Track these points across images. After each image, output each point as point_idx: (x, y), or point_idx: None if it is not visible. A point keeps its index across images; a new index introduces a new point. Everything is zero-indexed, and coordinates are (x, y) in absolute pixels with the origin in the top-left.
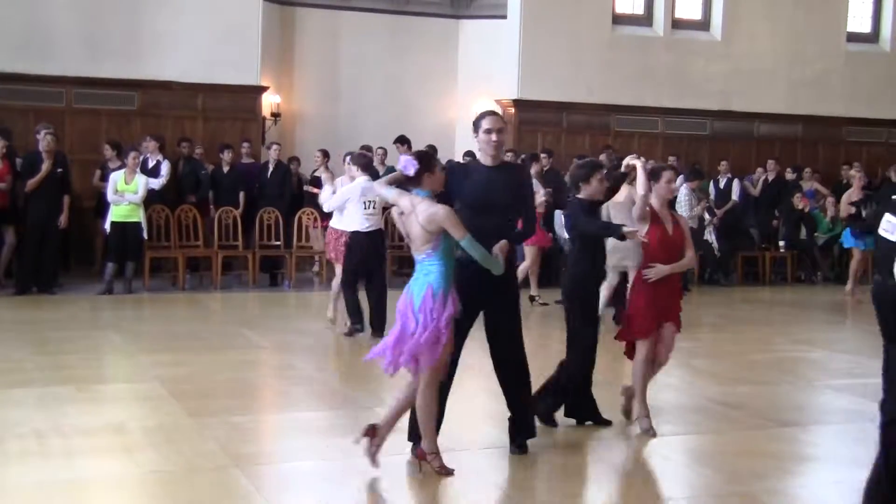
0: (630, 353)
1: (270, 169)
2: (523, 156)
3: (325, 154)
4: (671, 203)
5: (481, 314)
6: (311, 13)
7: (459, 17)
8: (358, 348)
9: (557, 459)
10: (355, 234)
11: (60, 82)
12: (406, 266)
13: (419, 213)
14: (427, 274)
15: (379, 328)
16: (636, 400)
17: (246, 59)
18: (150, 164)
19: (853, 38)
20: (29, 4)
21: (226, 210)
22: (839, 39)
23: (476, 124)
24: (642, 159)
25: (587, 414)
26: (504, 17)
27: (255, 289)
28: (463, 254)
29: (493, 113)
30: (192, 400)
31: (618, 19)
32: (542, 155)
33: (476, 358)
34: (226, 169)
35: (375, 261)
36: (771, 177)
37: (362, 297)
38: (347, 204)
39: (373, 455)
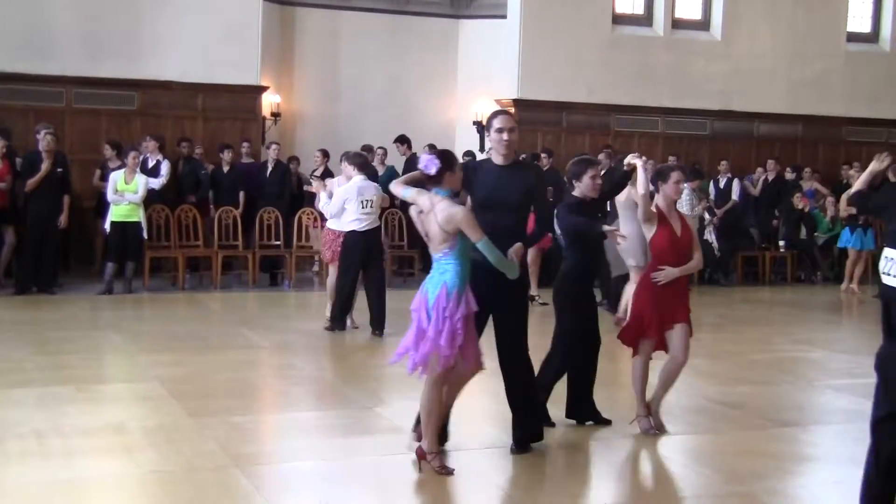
0: (636, 352)
1: (269, 168)
2: (523, 156)
3: (325, 154)
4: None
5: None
6: (311, 13)
7: (459, 17)
8: (358, 348)
9: (558, 459)
10: (351, 234)
11: (60, 82)
12: (406, 266)
13: (438, 213)
14: (443, 273)
15: (378, 326)
16: (635, 399)
17: (246, 59)
18: (150, 163)
19: (853, 38)
20: (29, 4)
21: (226, 210)
22: (839, 39)
23: (488, 123)
24: (643, 158)
25: (587, 414)
26: (504, 17)
27: (255, 289)
28: (478, 255)
29: (505, 112)
30: (192, 400)
31: (618, 19)
32: (542, 155)
33: None
34: (226, 169)
35: (372, 259)
36: (771, 177)
37: (361, 297)
38: (346, 204)
39: (438, 469)
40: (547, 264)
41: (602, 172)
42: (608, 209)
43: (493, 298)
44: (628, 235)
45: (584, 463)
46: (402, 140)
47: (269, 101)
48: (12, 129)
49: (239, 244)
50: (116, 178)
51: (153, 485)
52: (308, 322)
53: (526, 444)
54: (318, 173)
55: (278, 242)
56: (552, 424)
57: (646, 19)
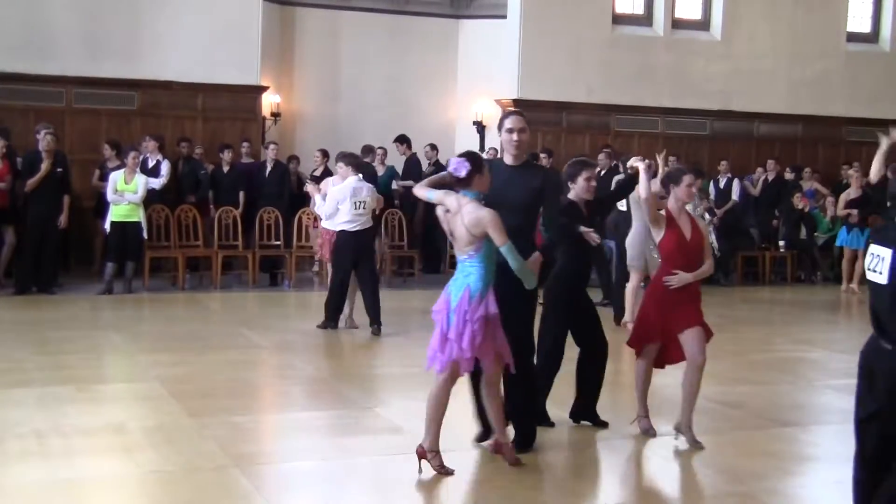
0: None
1: (268, 168)
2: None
3: (325, 154)
4: None
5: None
6: (311, 13)
7: (459, 17)
8: (358, 348)
9: (557, 459)
10: (342, 234)
11: (60, 82)
12: (406, 266)
13: (465, 215)
14: (467, 275)
15: (375, 322)
16: (636, 399)
17: (246, 59)
18: (150, 163)
19: (853, 38)
20: (29, 4)
21: (226, 210)
22: (839, 39)
23: (499, 124)
24: (646, 161)
25: (585, 415)
26: (504, 17)
27: (255, 289)
28: (499, 258)
29: (516, 113)
30: (192, 400)
31: (618, 19)
32: (542, 155)
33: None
34: (226, 169)
35: (363, 259)
36: (771, 177)
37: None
38: (339, 205)
39: (511, 461)
40: (547, 265)
41: (602, 173)
42: (626, 208)
43: (503, 304)
44: (632, 236)
45: (584, 463)
46: (402, 140)
47: (269, 101)
48: (12, 129)
49: (239, 244)
50: (116, 178)
51: (153, 485)
52: (308, 322)
53: (522, 448)
54: (317, 173)
55: (278, 242)
56: (552, 424)
57: (646, 19)
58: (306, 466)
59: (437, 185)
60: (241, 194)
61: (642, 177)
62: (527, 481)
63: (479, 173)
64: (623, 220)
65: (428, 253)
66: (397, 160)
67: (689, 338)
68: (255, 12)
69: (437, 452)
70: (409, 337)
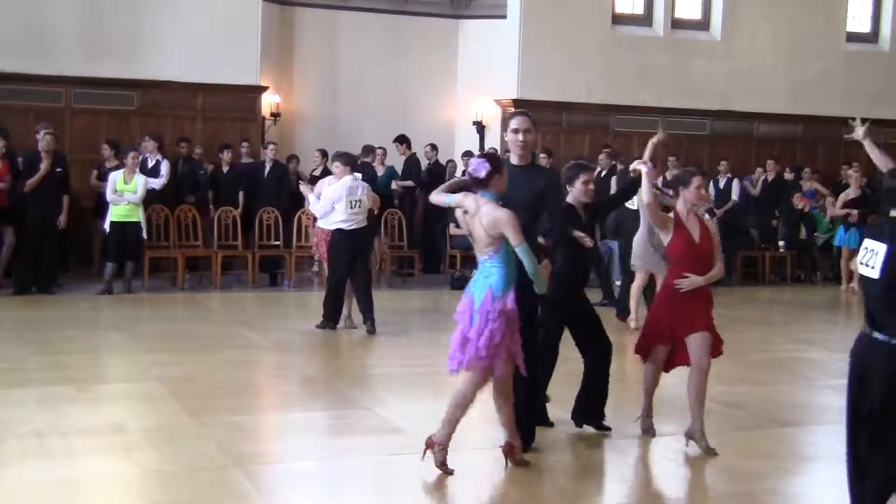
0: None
1: (267, 169)
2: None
3: (324, 154)
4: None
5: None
6: (310, 13)
7: (459, 17)
8: (358, 348)
9: (558, 460)
10: (338, 232)
11: (60, 82)
12: (406, 266)
13: (483, 216)
14: (487, 276)
15: (369, 319)
16: (642, 398)
17: (246, 59)
18: (150, 163)
19: (853, 38)
20: (29, 4)
21: (225, 210)
22: (839, 39)
23: (505, 124)
24: (649, 164)
25: (586, 418)
26: (504, 17)
27: (255, 289)
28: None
29: (523, 113)
30: (192, 400)
31: (617, 19)
32: (542, 155)
33: None
34: (225, 169)
35: (359, 257)
36: (771, 177)
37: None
38: (335, 204)
39: (519, 462)
40: None
41: (603, 174)
42: (636, 207)
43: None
44: (637, 238)
45: (583, 463)
46: (402, 140)
47: (269, 101)
48: (12, 129)
49: (239, 244)
50: (116, 178)
51: (153, 485)
52: (308, 322)
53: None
54: (316, 173)
55: (278, 242)
56: (551, 424)
57: (646, 19)
58: (306, 466)
59: (451, 191)
60: (241, 194)
61: (645, 182)
62: (528, 481)
63: (499, 174)
64: (630, 220)
65: (428, 253)
66: (397, 160)
67: (695, 342)
68: (254, 12)
69: (445, 448)
70: (409, 337)
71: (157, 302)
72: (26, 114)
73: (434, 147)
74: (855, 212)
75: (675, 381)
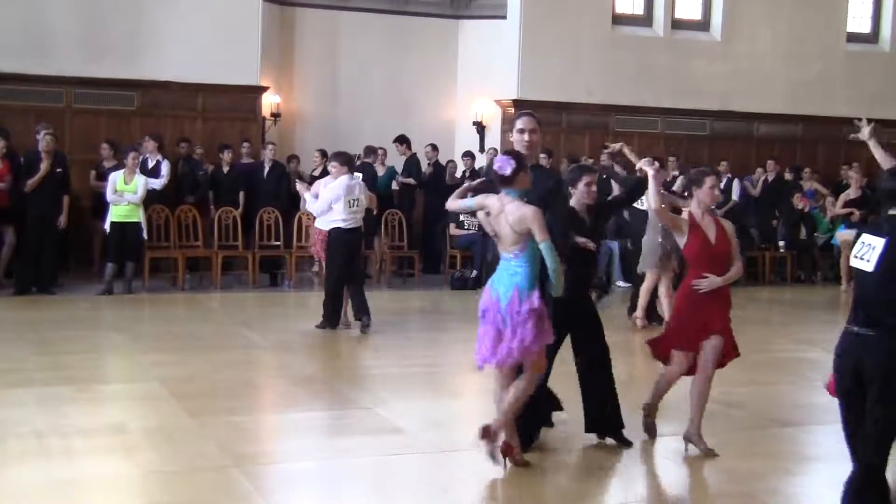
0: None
1: (266, 169)
2: None
3: (324, 154)
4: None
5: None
6: (310, 13)
7: (459, 17)
8: (358, 348)
9: (559, 460)
10: (336, 230)
11: (60, 82)
12: (406, 266)
13: (508, 214)
14: (513, 274)
15: (363, 316)
16: (651, 395)
17: (246, 59)
18: (150, 164)
19: (853, 38)
20: (29, 4)
21: (226, 210)
22: (839, 39)
23: (512, 124)
24: (656, 164)
25: (592, 424)
26: (504, 17)
27: (255, 289)
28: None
29: (528, 114)
30: (192, 400)
31: (618, 19)
32: (542, 155)
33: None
34: (226, 169)
35: (355, 256)
36: (771, 177)
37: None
38: (333, 204)
39: (518, 462)
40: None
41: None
42: (644, 207)
43: None
44: (646, 239)
45: (583, 463)
46: (402, 140)
47: (269, 102)
48: (12, 129)
49: (239, 244)
50: (116, 178)
51: (153, 485)
52: (308, 322)
53: (522, 448)
54: (316, 173)
55: (278, 243)
56: (551, 425)
57: (646, 19)
58: (306, 466)
59: (467, 194)
60: (241, 194)
61: (652, 185)
62: (529, 482)
63: (524, 171)
64: (636, 220)
65: (428, 253)
66: (397, 160)
67: (707, 347)
68: (255, 12)
69: (517, 447)
70: (409, 337)
71: (157, 302)
72: (26, 114)
73: (434, 147)
74: (857, 211)
75: (678, 382)
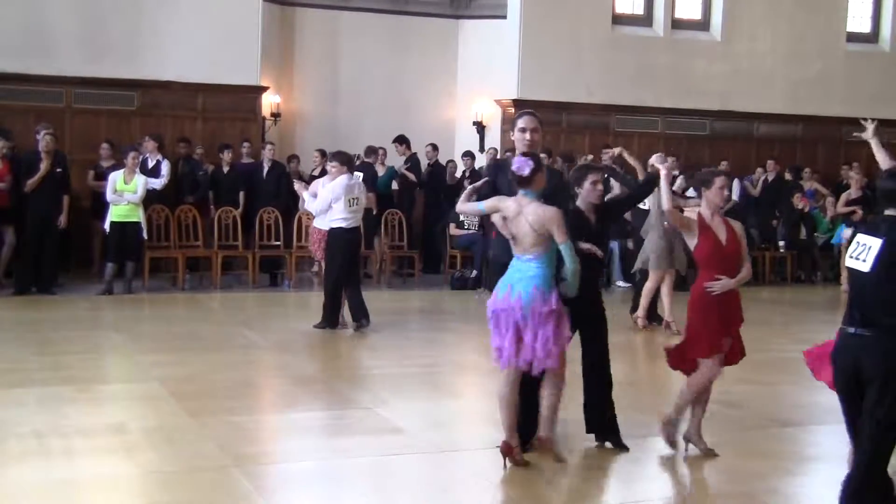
0: (686, 368)
1: (266, 169)
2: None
3: (324, 154)
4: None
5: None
6: (311, 13)
7: (459, 17)
8: (358, 348)
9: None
10: (337, 230)
11: (60, 82)
12: (406, 266)
13: (528, 214)
14: (533, 276)
15: (362, 317)
16: (674, 408)
17: (246, 59)
18: (150, 164)
19: (853, 38)
20: (29, 4)
21: (226, 210)
22: (839, 39)
23: (513, 123)
24: (669, 161)
25: (595, 427)
26: (504, 17)
27: (255, 289)
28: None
29: (530, 113)
30: (192, 400)
31: (618, 19)
32: (542, 155)
33: (476, 358)
34: (226, 169)
35: (354, 256)
36: (771, 177)
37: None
38: (333, 203)
39: (518, 462)
40: None
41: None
42: (647, 207)
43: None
44: (650, 238)
45: (583, 463)
46: (402, 140)
47: (269, 102)
48: (12, 129)
49: (239, 244)
50: (116, 178)
51: (153, 485)
52: (308, 322)
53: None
54: (316, 173)
55: (278, 243)
56: None
57: (646, 19)
58: (306, 466)
59: (474, 196)
60: (242, 194)
61: (664, 186)
62: (528, 481)
63: (541, 171)
64: (638, 220)
65: (428, 253)
66: (397, 161)
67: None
68: (255, 12)
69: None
70: (409, 337)
71: (157, 302)
72: (26, 114)
73: (435, 147)
74: (859, 210)
75: (679, 382)
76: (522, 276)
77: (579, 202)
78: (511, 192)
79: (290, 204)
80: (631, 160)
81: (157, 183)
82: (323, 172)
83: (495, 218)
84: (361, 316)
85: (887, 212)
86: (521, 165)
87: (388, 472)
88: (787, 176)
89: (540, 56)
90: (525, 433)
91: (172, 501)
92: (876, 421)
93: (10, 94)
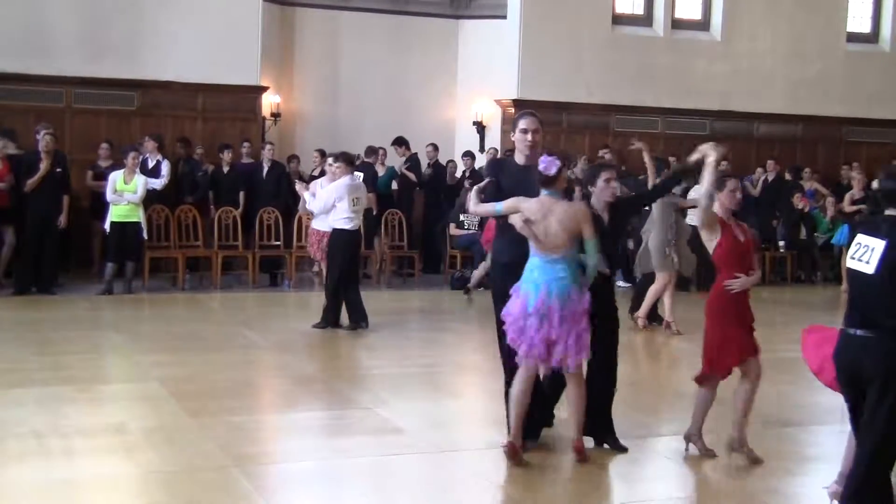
0: (701, 379)
1: (265, 169)
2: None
3: (323, 154)
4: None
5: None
6: (311, 13)
7: (459, 17)
8: (358, 348)
9: (557, 460)
10: (341, 232)
11: (60, 82)
12: (406, 266)
13: (558, 212)
14: (562, 277)
15: (361, 319)
16: (737, 425)
17: (246, 59)
18: (150, 164)
19: (853, 38)
20: (29, 4)
21: (226, 210)
22: (839, 39)
23: (514, 123)
24: (719, 150)
25: (600, 432)
26: (504, 17)
27: (255, 289)
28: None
29: (531, 114)
30: (192, 400)
31: (618, 19)
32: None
33: (476, 358)
34: (226, 169)
35: (354, 257)
36: (771, 177)
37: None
38: (336, 203)
39: (519, 462)
40: None
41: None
42: (650, 208)
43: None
44: (654, 240)
45: (586, 464)
46: (401, 142)
47: (269, 102)
48: (12, 129)
49: (239, 244)
50: (116, 178)
51: (153, 485)
52: (308, 322)
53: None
54: (316, 174)
55: (278, 243)
56: (551, 425)
57: (646, 19)
58: (306, 466)
59: (480, 198)
60: (242, 195)
61: (708, 176)
62: (528, 481)
63: (565, 170)
64: (640, 218)
65: (428, 253)
66: (397, 162)
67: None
68: (255, 12)
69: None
70: (409, 337)
71: (157, 302)
72: (26, 114)
73: (435, 147)
74: (865, 209)
75: (679, 382)
76: (554, 276)
77: (593, 201)
78: (512, 192)
79: (290, 204)
80: (647, 158)
81: (157, 183)
82: (323, 173)
83: (514, 219)
84: (359, 318)
85: (888, 212)
86: (548, 165)
87: (388, 472)
88: (787, 176)
89: (540, 56)
90: (525, 433)
91: (172, 501)
92: (876, 421)
93: (10, 94)
